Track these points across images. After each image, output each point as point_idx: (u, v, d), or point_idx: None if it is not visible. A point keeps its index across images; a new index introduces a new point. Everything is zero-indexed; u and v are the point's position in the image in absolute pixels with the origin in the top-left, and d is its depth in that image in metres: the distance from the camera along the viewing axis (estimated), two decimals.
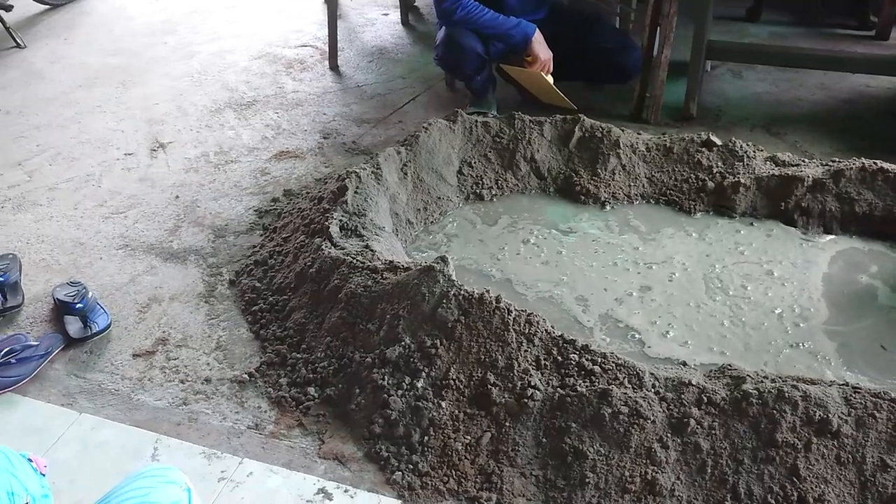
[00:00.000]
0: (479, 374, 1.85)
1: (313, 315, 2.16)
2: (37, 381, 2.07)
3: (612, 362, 1.81)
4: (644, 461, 1.69)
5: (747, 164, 2.69)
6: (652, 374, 1.79)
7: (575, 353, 1.84)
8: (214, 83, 3.94)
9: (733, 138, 2.78)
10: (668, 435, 1.71)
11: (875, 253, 2.48)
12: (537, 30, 3.10)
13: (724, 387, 1.75)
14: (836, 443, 1.64)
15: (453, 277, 1.98)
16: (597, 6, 4.03)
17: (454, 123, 2.84)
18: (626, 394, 1.74)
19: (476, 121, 2.89)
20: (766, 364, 2.06)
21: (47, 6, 5.02)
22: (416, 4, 4.80)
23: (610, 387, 1.75)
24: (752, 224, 2.62)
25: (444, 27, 3.18)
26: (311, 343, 2.10)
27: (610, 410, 1.72)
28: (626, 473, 1.69)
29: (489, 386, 1.82)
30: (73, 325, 2.22)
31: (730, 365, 1.86)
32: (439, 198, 2.74)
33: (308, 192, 2.82)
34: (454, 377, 1.85)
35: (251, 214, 2.80)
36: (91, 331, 2.21)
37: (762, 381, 1.73)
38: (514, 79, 3.41)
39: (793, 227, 2.59)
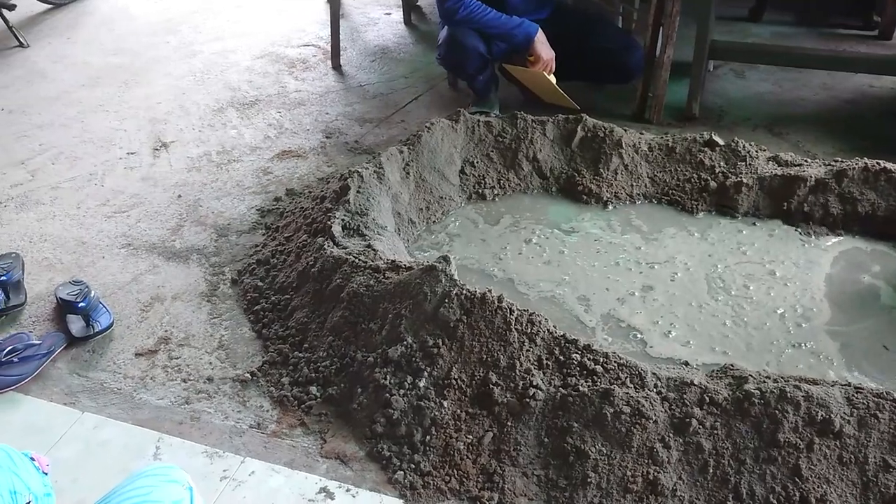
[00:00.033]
0: (481, 374, 1.85)
1: (315, 314, 2.16)
2: (39, 379, 2.08)
3: (615, 362, 1.81)
4: (646, 461, 1.69)
5: (750, 164, 2.68)
6: (654, 373, 1.79)
7: (577, 353, 1.84)
8: (217, 82, 3.94)
9: (736, 138, 2.78)
10: (670, 435, 1.71)
11: (877, 253, 2.48)
12: (540, 29, 3.10)
13: (727, 387, 1.75)
14: (838, 443, 1.64)
15: (455, 277, 1.98)
16: (599, 6, 4.03)
17: (456, 123, 2.84)
18: (628, 394, 1.74)
19: (478, 120, 2.88)
20: (769, 364, 2.06)
21: (50, 5, 5.03)
22: (418, 4, 4.80)
23: (612, 386, 1.75)
24: (754, 224, 2.62)
25: (446, 27, 3.17)
26: (313, 342, 2.10)
27: (612, 410, 1.72)
28: (628, 473, 1.69)
29: (491, 385, 1.82)
30: (76, 324, 2.22)
31: (732, 365, 1.86)
32: (441, 197, 2.74)
33: (310, 192, 2.82)
34: (456, 377, 1.85)
35: (253, 214, 2.81)
36: (93, 330, 2.21)
37: (764, 381, 1.73)
38: (517, 78, 3.41)
39: (795, 227, 2.59)
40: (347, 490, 1.75)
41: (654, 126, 3.24)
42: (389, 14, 4.81)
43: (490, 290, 1.93)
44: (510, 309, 1.89)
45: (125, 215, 2.83)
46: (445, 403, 1.83)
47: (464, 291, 1.93)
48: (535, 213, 2.73)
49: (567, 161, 2.84)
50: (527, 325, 1.88)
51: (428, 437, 1.81)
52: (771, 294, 2.31)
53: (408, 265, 2.11)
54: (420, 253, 2.56)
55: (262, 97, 3.76)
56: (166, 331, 2.26)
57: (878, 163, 2.54)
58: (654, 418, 1.71)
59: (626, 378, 1.78)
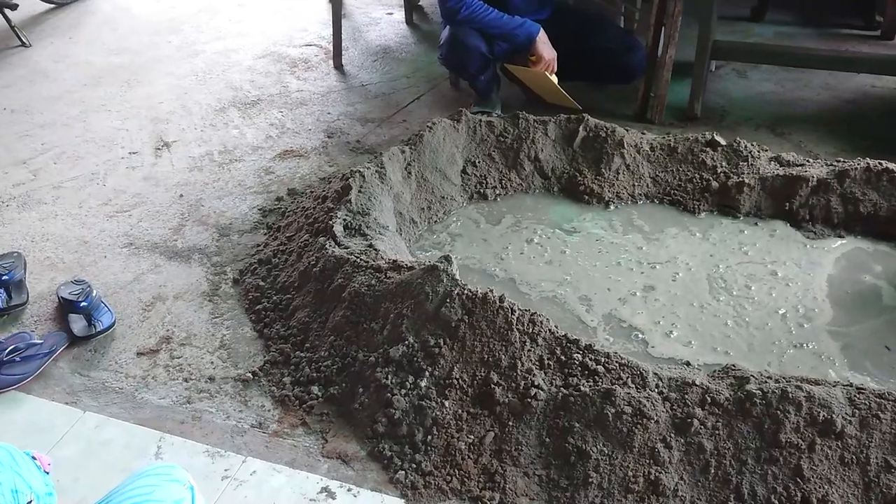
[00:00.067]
0: (483, 374, 1.85)
1: (317, 314, 2.16)
2: (41, 379, 2.08)
3: (616, 362, 1.81)
4: (647, 461, 1.69)
5: (752, 164, 2.68)
6: (655, 373, 1.79)
7: (578, 353, 1.84)
8: (219, 82, 3.95)
9: (738, 138, 2.78)
10: (672, 435, 1.71)
11: (880, 253, 2.48)
12: (542, 29, 3.10)
13: (728, 387, 1.75)
14: (839, 443, 1.64)
15: (457, 277, 1.98)
16: (601, 6, 4.03)
17: (458, 123, 2.84)
18: (629, 394, 1.74)
19: (480, 120, 2.89)
20: (770, 364, 2.06)
21: (52, 5, 5.03)
22: (420, 4, 4.80)
23: (613, 387, 1.75)
24: (756, 224, 2.62)
25: (448, 26, 3.17)
26: (314, 342, 2.11)
27: (613, 410, 1.72)
28: (630, 473, 1.69)
29: (492, 385, 1.82)
30: (78, 324, 2.22)
31: (733, 365, 1.86)
32: (443, 197, 2.74)
33: (312, 192, 2.82)
34: (457, 376, 1.85)
35: (255, 213, 2.81)
36: (95, 329, 2.21)
37: (766, 382, 1.73)
38: (519, 78, 3.40)
39: (797, 227, 2.58)
40: (349, 490, 1.75)
41: (655, 126, 3.24)
42: (391, 14, 4.81)
43: (492, 290, 1.93)
44: (512, 309, 1.89)
45: (127, 215, 2.83)
46: (447, 403, 1.83)
47: (465, 291, 1.93)
48: (537, 213, 2.73)
49: (569, 161, 2.84)
50: (528, 324, 1.87)
51: (429, 437, 1.81)
52: (773, 294, 2.31)
53: (409, 265, 2.11)
54: (422, 253, 2.56)
55: (263, 97, 3.76)
56: (168, 330, 2.26)
57: (880, 163, 2.54)
58: (655, 418, 1.71)
59: (627, 378, 1.78)
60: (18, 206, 2.89)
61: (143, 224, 2.77)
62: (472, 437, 1.79)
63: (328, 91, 3.81)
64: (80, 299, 2.21)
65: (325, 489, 1.75)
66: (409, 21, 4.64)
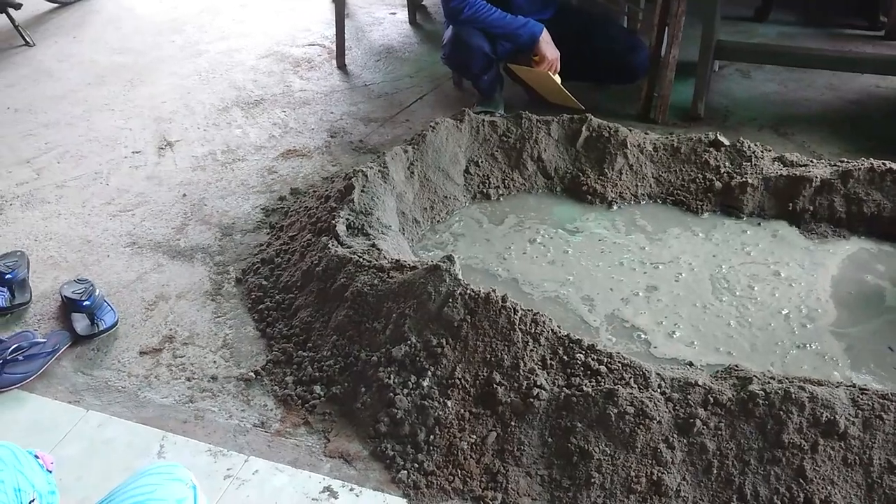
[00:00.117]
0: (485, 374, 1.85)
1: (319, 313, 2.16)
2: (44, 378, 2.08)
3: (619, 362, 1.81)
4: (650, 461, 1.69)
5: (755, 165, 2.68)
6: (658, 374, 1.79)
7: (581, 353, 1.84)
8: (222, 82, 3.95)
9: (741, 138, 2.77)
10: (674, 435, 1.70)
11: (883, 254, 2.47)
12: (545, 29, 3.09)
13: (731, 387, 1.74)
14: (842, 444, 1.64)
15: (459, 276, 1.98)
16: (605, 6, 4.03)
17: (461, 122, 2.84)
18: (632, 394, 1.74)
19: (483, 120, 2.88)
20: (773, 365, 2.06)
21: (56, 4, 5.04)
22: (423, 3, 4.79)
23: (616, 387, 1.75)
24: (759, 224, 2.62)
25: (451, 26, 3.17)
26: (317, 341, 2.11)
27: (616, 410, 1.72)
28: (632, 473, 1.68)
29: (495, 385, 1.82)
30: (81, 323, 2.23)
31: (736, 365, 1.86)
32: (446, 197, 2.74)
33: (315, 191, 2.83)
34: (460, 376, 1.85)
35: (258, 213, 2.81)
36: (98, 328, 2.22)
37: (769, 382, 1.73)
38: (522, 78, 3.40)
39: (800, 227, 2.58)
40: (351, 489, 1.75)
41: (659, 126, 3.23)
42: (395, 13, 4.81)
43: (494, 290, 1.93)
44: (514, 309, 1.89)
45: (130, 214, 2.84)
46: (449, 403, 1.83)
47: (468, 291, 1.93)
48: (540, 213, 2.73)
49: (572, 161, 2.84)
50: (531, 324, 1.87)
51: (431, 437, 1.81)
52: (776, 295, 2.31)
53: (412, 265, 2.11)
54: (424, 252, 2.56)
55: (266, 96, 3.77)
56: (171, 329, 2.27)
57: (883, 163, 2.54)
58: (657, 419, 1.71)
59: (630, 378, 1.78)
60: (22, 205, 2.90)
61: (146, 223, 2.78)
62: (474, 436, 1.79)
63: (331, 91, 3.81)
64: (83, 298, 2.21)
65: (328, 489, 1.75)
66: (412, 21, 4.65)
